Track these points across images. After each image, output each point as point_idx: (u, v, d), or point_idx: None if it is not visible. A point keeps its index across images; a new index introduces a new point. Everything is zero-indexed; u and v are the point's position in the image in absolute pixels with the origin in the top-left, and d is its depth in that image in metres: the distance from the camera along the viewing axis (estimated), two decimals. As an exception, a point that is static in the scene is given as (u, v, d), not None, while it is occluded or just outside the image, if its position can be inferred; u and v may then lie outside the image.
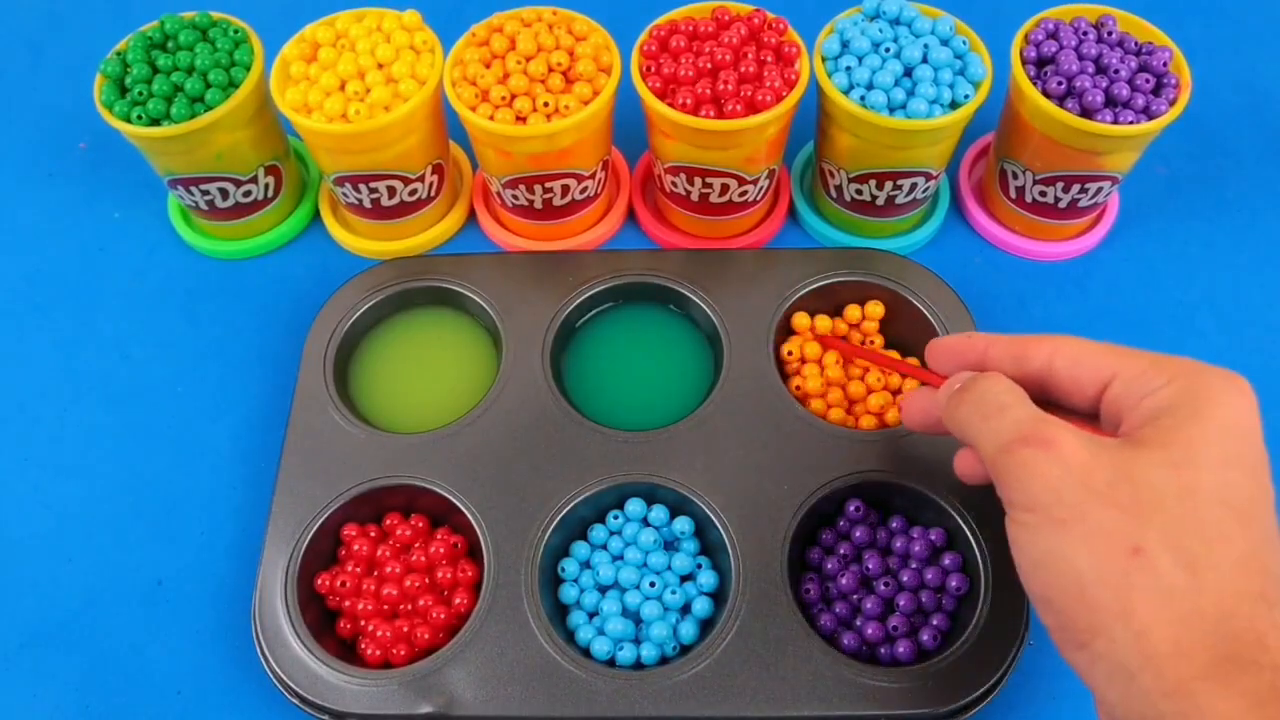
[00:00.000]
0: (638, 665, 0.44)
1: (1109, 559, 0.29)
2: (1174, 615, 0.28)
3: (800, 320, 0.51)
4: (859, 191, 0.54)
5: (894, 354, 0.51)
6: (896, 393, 0.50)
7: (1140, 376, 0.33)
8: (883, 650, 0.43)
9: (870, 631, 0.43)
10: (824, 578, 0.46)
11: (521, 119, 0.49)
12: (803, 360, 0.50)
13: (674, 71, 0.49)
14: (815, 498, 0.46)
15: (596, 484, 0.47)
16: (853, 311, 0.52)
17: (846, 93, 0.49)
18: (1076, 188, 0.52)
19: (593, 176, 0.54)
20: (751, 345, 0.50)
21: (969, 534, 0.44)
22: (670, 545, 0.47)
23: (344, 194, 0.54)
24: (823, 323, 0.52)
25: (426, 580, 0.46)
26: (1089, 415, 0.35)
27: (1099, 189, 0.52)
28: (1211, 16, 0.67)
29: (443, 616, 0.45)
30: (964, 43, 0.50)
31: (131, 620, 0.48)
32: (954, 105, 0.49)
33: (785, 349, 0.51)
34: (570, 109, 0.48)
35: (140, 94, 0.51)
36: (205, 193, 0.55)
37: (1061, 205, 0.54)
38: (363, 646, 0.45)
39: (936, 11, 0.51)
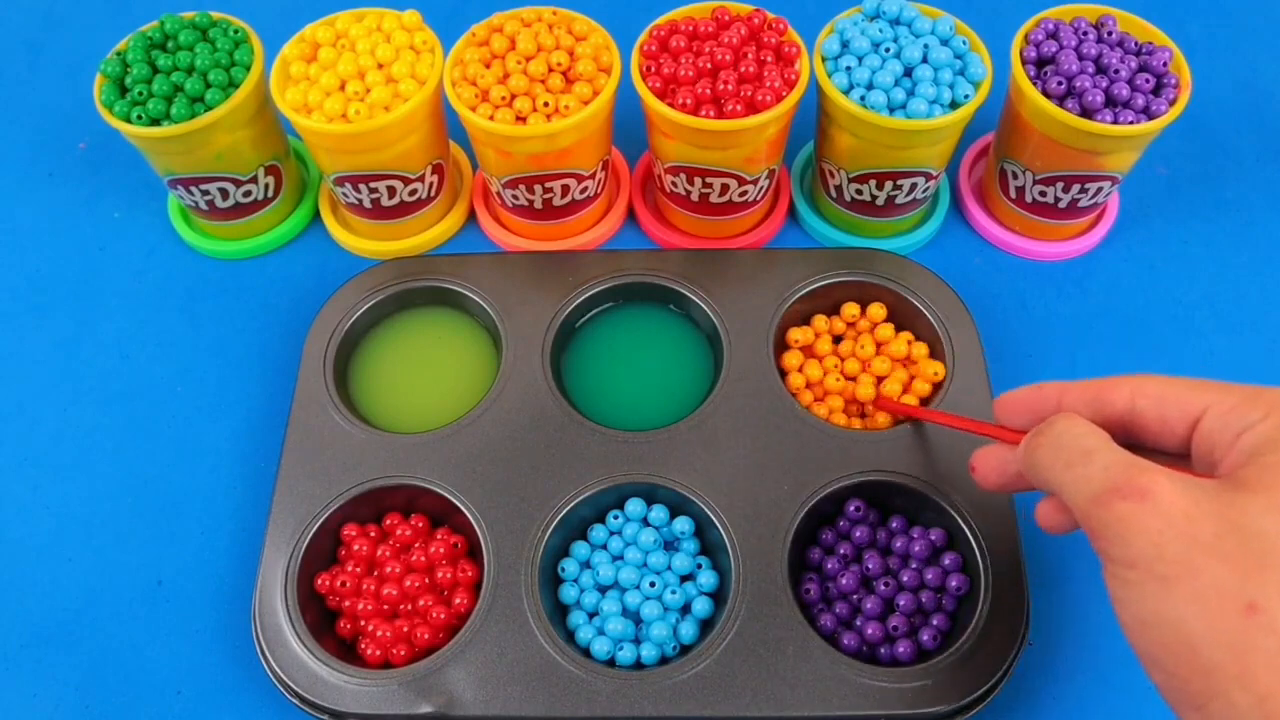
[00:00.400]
0: (638, 665, 0.44)
1: (1222, 618, 0.27)
2: None
3: (795, 334, 0.51)
4: (859, 191, 0.54)
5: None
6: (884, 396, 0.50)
7: (1233, 411, 0.31)
8: (883, 650, 0.43)
9: (870, 631, 0.43)
10: (824, 578, 0.46)
11: (521, 119, 0.49)
12: (808, 385, 0.50)
13: (674, 71, 0.48)
14: (815, 498, 0.46)
15: (596, 484, 0.47)
16: (850, 309, 0.52)
17: (846, 93, 0.49)
18: (1076, 188, 0.52)
19: (593, 176, 0.54)
20: (751, 345, 0.50)
21: (969, 534, 0.44)
22: (670, 545, 0.47)
23: (344, 194, 0.54)
24: (820, 323, 0.52)
25: (426, 580, 0.46)
26: (1178, 456, 0.33)
27: (1099, 189, 0.52)
28: (1211, 16, 0.67)
29: (443, 616, 0.44)
30: (964, 43, 0.50)
31: (131, 620, 0.48)
32: (954, 105, 0.49)
33: (786, 360, 0.51)
34: (570, 109, 0.48)
35: (140, 94, 0.51)
36: (205, 193, 0.55)
37: (1061, 205, 0.54)
38: (363, 646, 0.45)
39: (936, 11, 0.51)
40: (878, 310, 0.52)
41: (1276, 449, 0.29)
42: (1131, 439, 0.34)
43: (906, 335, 0.51)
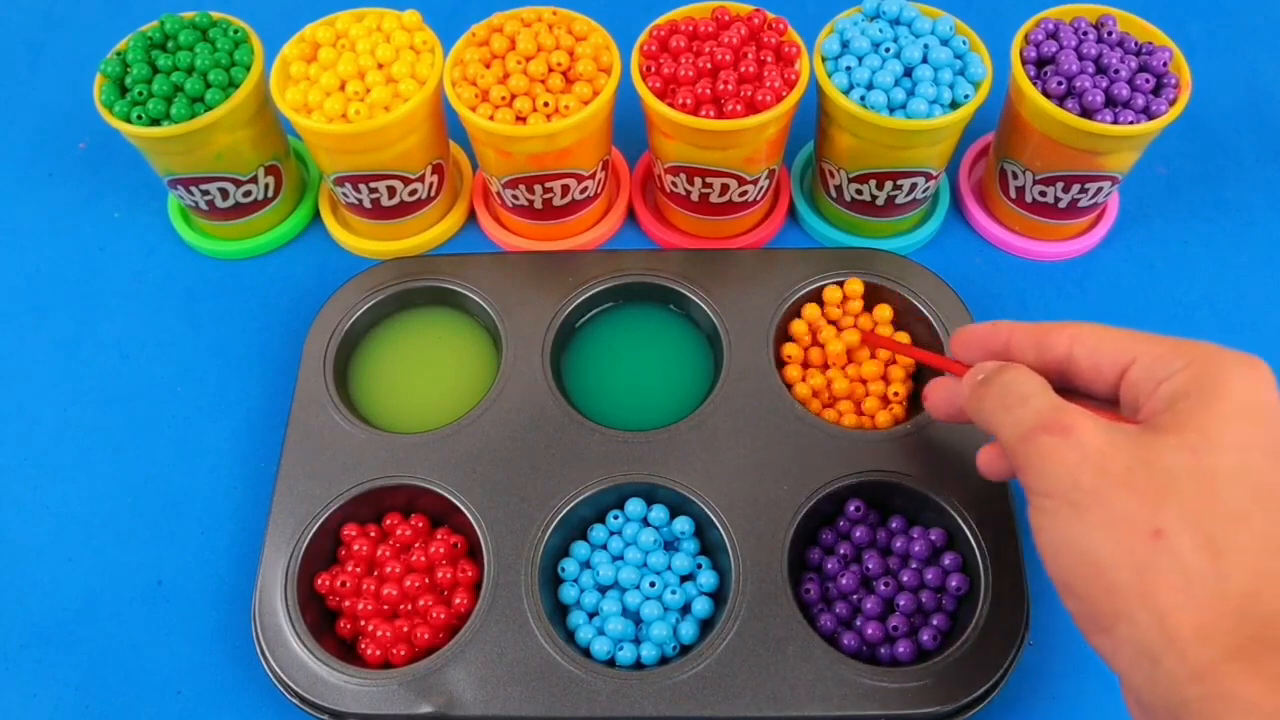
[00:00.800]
0: (638, 665, 0.44)
1: (1128, 542, 0.29)
2: (1196, 598, 0.28)
3: (798, 326, 0.51)
4: (859, 191, 0.54)
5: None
6: (884, 398, 0.50)
7: (1158, 361, 0.33)
8: (883, 650, 0.43)
9: (870, 631, 0.43)
10: (824, 578, 0.46)
11: (521, 119, 0.49)
12: (805, 365, 0.50)
13: (674, 71, 0.48)
14: (815, 498, 0.46)
15: (596, 484, 0.47)
16: (832, 293, 0.52)
17: (846, 93, 0.49)
18: (1076, 188, 0.52)
19: (593, 176, 0.54)
20: (751, 345, 0.50)
21: (969, 534, 0.44)
22: (670, 545, 0.47)
23: (344, 194, 0.54)
24: (812, 311, 0.52)
25: (426, 580, 0.46)
26: (1110, 402, 0.35)
27: (1099, 189, 0.52)
28: (1211, 16, 0.67)
29: (443, 616, 0.44)
30: (964, 43, 0.50)
31: (131, 620, 0.48)
32: (954, 105, 0.49)
33: (785, 352, 0.51)
34: (570, 109, 0.48)
35: (140, 94, 0.51)
36: (205, 193, 0.55)
37: (1061, 205, 0.54)
38: (363, 646, 0.45)
39: (936, 11, 0.51)
40: (885, 312, 0.51)
41: (1188, 397, 0.31)
42: (1069, 384, 0.36)
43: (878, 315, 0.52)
